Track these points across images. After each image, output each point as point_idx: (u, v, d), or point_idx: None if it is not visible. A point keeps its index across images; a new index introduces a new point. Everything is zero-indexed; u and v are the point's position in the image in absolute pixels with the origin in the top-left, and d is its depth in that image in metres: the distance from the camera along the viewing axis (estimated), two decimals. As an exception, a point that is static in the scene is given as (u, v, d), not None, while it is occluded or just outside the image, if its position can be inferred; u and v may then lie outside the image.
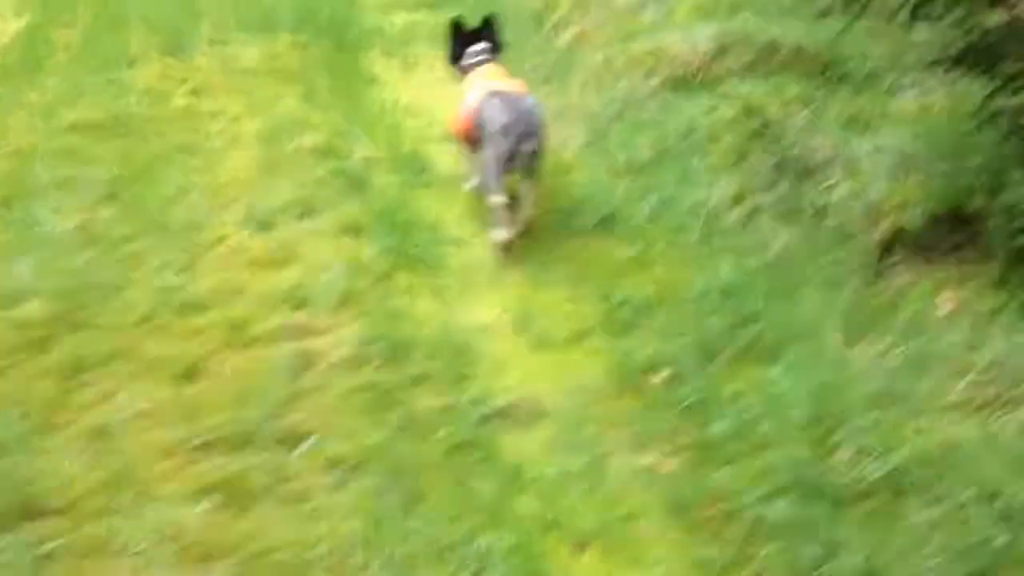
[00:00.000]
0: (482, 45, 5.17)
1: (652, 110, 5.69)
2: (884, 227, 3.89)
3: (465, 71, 5.16)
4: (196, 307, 4.01)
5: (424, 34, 7.32)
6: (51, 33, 6.89)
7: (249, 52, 6.72)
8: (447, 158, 5.67)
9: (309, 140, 5.53)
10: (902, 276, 3.80)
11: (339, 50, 6.96)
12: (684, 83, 5.81)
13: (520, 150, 4.57)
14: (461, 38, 5.23)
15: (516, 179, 4.67)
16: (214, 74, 6.36)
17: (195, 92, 6.10)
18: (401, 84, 6.68)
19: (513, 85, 4.91)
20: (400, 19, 7.72)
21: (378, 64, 6.94)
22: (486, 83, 4.88)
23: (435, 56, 7.10)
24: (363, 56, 7.00)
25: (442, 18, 6.64)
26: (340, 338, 3.85)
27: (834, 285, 3.89)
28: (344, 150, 5.50)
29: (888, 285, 3.81)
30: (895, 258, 3.87)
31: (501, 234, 4.57)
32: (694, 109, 5.40)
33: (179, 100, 5.97)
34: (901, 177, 4.08)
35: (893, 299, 3.73)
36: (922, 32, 3.91)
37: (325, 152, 5.44)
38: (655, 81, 5.89)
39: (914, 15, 3.82)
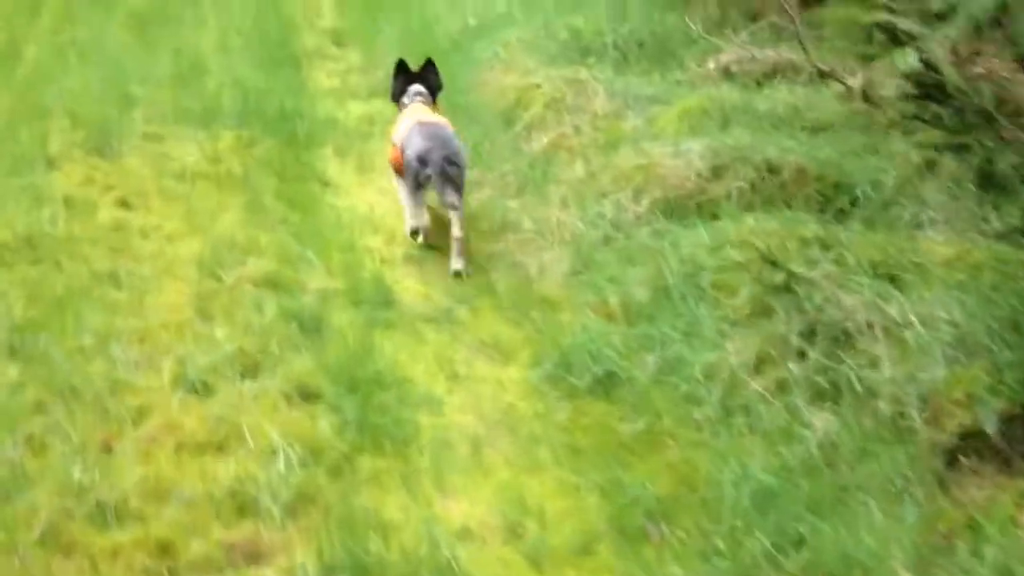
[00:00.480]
0: (419, 86, 5.64)
1: (644, 237, 5.00)
2: (950, 428, 3.22)
3: (403, 107, 5.62)
4: (112, 515, 3.17)
5: (381, 127, 6.58)
6: (-40, 124, 6.03)
7: (187, 150, 5.90)
8: (412, 286, 4.93)
9: (254, 268, 4.74)
10: (976, 489, 3.12)
11: (288, 147, 6.18)
12: (678, 207, 5.13)
13: (439, 172, 4.99)
14: (404, 78, 5.72)
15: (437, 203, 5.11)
16: (146, 179, 5.53)
17: (124, 202, 5.26)
18: (358, 189, 5.93)
19: (436, 118, 5.43)
20: (355, 109, 6.98)
21: (332, 164, 6.18)
22: (414, 116, 5.38)
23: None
24: (315, 155, 6.24)
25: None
26: (292, 565, 3.05)
27: (894, 496, 3.20)
28: (295, 281, 4.71)
29: (960, 499, 3.13)
30: (965, 464, 3.19)
31: (413, 227, 5.10)
32: (694, 242, 4.71)
33: (105, 212, 5.12)
34: (961, 360, 3.42)
35: (969, 521, 3.04)
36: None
37: (273, 284, 4.64)
38: (645, 202, 5.21)
39: (983, 186, 3.19)
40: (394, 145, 5.36)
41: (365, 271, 4.92)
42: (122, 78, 6.73)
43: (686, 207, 5.12)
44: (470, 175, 6.07)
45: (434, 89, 5.70)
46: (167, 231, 5.03)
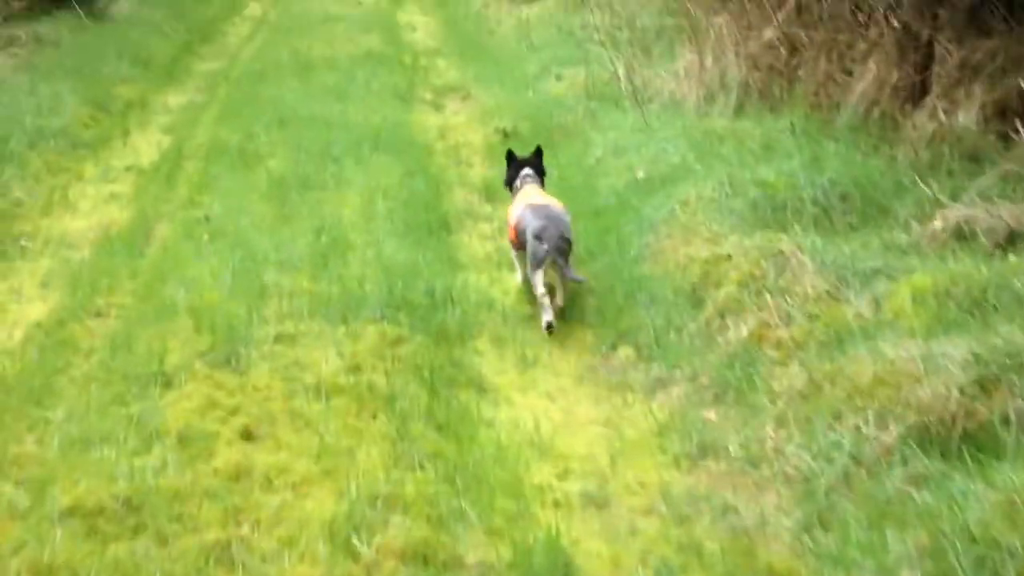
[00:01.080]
0: (529, 170, 6.21)
1: (899, 482, 3.79)
2: None
3: (516, 191, 6.17)
4: None
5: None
6: (75, 328, 5.28)
7: (324, 355, 4.99)
8: (595, 546, 3.83)
9: (399, 533, 3.71)
10: None
11: (439, 344, 5.24)
12: (938, 441, 3.90)
13: (554, 247, 5.47)
14: (515, 165, 6.31)
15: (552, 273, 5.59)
16: (276, 398, 4.62)
17: (247, 433, 4.35)
18: (519, 395, 4.95)
19: (547, 199, 5.93)
20: (512, 283, 6.04)
21: (489, 361, 5.22)
22: (527, 199, 5.90)
23: (562, 347, 5.40)
24: (469, 349, 5.30)
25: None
26: None
27: None
28: (449, 552, 3.67)
29: None
30: None
31: (547, 317, 5.47)
32: (978, 501, 3.47)
33: (224, 451, 4.20)
34: None
35: None
36: None
37: (422, 557, 3.61)
38: (894, 429, 3.99)
39: None
40: (510, 225, 5.91)
41: (536, 527, 3.85)
42: (255, 263, 5.95)
43: (948, 441, 3.89)
44: (655, 372, 5.08)
45: (541, 172, 6.30)
46: (296, 476, 4.07)
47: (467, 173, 8.22)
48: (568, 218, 5.72)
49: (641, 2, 12.58)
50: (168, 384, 4.70)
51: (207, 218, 6.78)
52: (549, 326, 5.40)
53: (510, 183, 6.25)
